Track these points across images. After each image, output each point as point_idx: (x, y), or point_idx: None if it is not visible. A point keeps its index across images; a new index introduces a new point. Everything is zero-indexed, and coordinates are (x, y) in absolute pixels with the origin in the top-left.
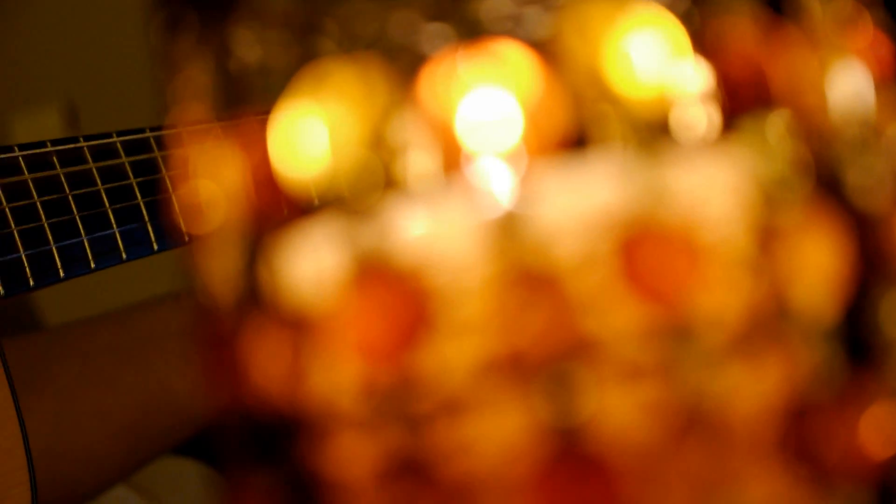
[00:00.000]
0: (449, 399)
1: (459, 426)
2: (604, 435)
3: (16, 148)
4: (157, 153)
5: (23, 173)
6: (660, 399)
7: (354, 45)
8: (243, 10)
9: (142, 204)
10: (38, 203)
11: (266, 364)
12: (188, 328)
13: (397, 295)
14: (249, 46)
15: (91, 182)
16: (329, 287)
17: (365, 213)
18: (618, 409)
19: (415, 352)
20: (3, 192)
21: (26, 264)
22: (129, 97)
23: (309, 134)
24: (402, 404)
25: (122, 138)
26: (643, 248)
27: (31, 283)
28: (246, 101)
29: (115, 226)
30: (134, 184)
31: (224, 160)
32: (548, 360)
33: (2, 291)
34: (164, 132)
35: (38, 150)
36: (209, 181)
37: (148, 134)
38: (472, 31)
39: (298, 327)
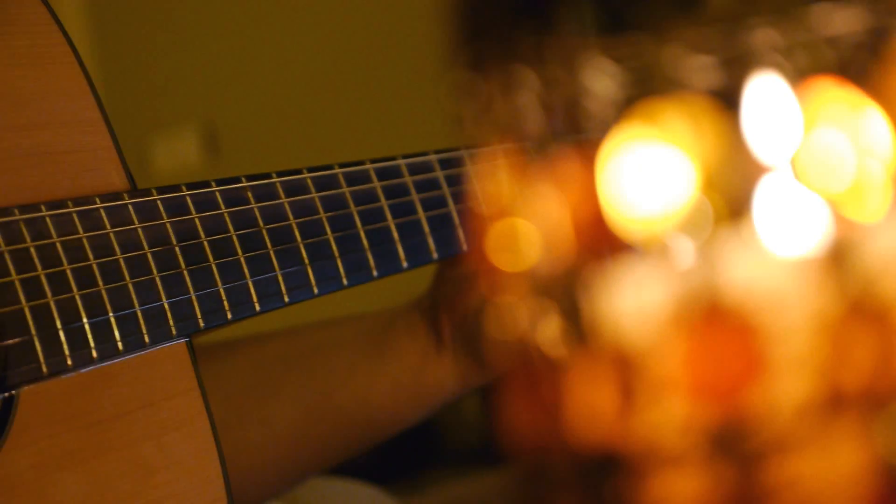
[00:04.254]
0: (779, 436)
1: (789, 463)
2: None
3: (274, 175)
4: (340, 188)
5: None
6: None
7: (682, 84)
8: (557, 44)
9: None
10: (234, 236)
11: (589, 399)
12: (355, 340)
13: (729, 333)
14: (567, 79)
15: (282, 216)
16: (654, 324)
17: (694, 252)
18: None
19: (746, 390)
20: (201, 222)
21: (224, 296)
22: (269, 121)
23: (638, 171)
24: (733, 442)
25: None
26: None
27: (229, 315)
28: (569, 135)
29: (307, 261)
30: (355, 212)
31: (543, 196)
32: (878, 398)
33: (201, 324)
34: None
35: (265, 180)
36: (527, 218)
37: (399, 161)
38: (740, 63)
39: (623, 363)
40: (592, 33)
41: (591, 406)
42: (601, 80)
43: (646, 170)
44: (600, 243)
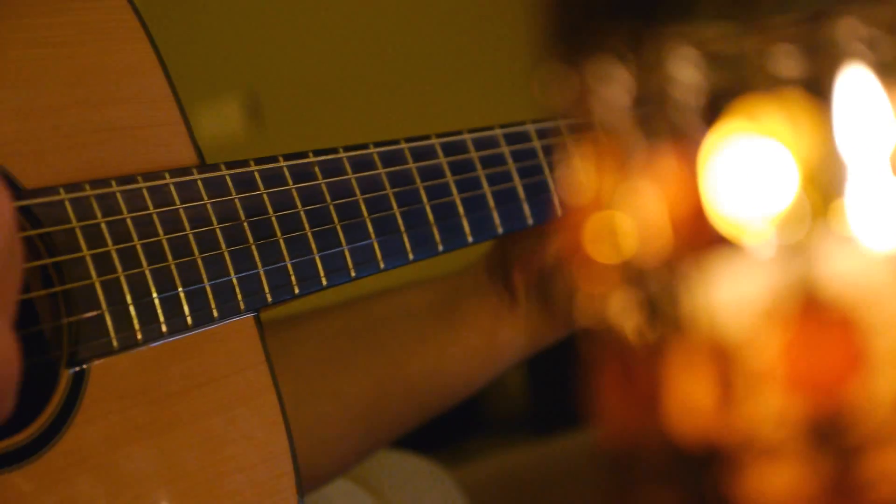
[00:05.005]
0: (877, 429)
1: (887, 456)
2: None
3: (341, 150)
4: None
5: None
6: None
7: (768, 74)
8: (649, 36)
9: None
10: (302, 212)
11: (687, 392)
12: (421, 309)
13: (826, 326)
14: (659, 70)
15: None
16: (752, 317)
17: (792, 246)
18: None
19: (844, 383)
20: (269, 198)
21: (291, 271)
22: (313, 91)
23: (737, 166)
24: (831, 435)
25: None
26: None
27: (296, 290)
28: (664, 128)
29: (373, 236)
30: (421, 188)
31: (641, 188)
32: None
33: (269, 299)
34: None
35: (332, 155)
36: (624, 210)
37: (465, 136)
38: (825, 53)
39: (721, 356)
40: (682, 23)
41: (688, 398)
42: (689, 70)
43: (745, 165)
44: (698, 237)
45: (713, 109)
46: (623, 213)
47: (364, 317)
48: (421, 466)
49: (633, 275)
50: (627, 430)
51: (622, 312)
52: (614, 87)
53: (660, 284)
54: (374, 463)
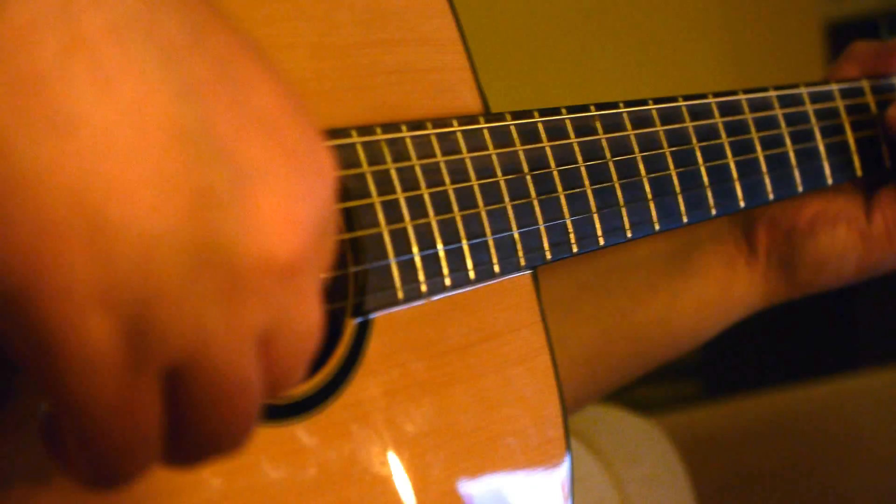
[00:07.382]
0: None
1: None
2: None
3: (621, 104)
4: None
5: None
6: None
7: None
8: None
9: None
10: (583, 167)
11: None
12: (652, 259)
13: None
14: None
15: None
16: None
17: None
18: None
19: None
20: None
21: (571, 229)
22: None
23: None
24: None
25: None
26: None
27: (575, 248)
28: None
29: (650, 195)
30: (698, 149)
31: None
32: None
33: (548, 256)
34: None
35: (613, 110)
36: None
37: (709, 100)
38: None
39: None
40: None
41: None
42: None
43: None
44: None
45: None
46: None
47: (593, 265)
48: (638, 425)
49: None
50: None
51: None
52: None
53: None
54: (593, 421)
